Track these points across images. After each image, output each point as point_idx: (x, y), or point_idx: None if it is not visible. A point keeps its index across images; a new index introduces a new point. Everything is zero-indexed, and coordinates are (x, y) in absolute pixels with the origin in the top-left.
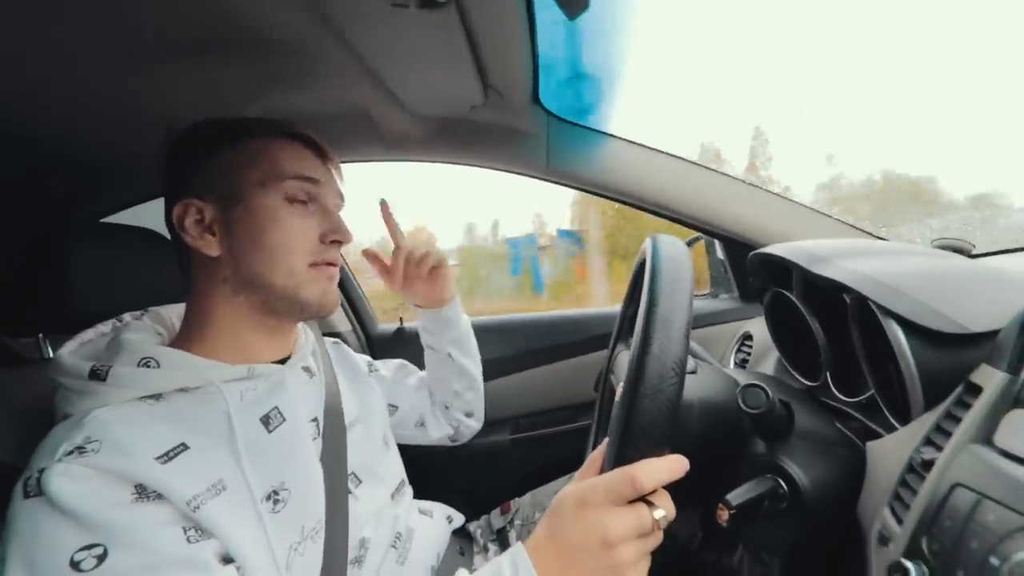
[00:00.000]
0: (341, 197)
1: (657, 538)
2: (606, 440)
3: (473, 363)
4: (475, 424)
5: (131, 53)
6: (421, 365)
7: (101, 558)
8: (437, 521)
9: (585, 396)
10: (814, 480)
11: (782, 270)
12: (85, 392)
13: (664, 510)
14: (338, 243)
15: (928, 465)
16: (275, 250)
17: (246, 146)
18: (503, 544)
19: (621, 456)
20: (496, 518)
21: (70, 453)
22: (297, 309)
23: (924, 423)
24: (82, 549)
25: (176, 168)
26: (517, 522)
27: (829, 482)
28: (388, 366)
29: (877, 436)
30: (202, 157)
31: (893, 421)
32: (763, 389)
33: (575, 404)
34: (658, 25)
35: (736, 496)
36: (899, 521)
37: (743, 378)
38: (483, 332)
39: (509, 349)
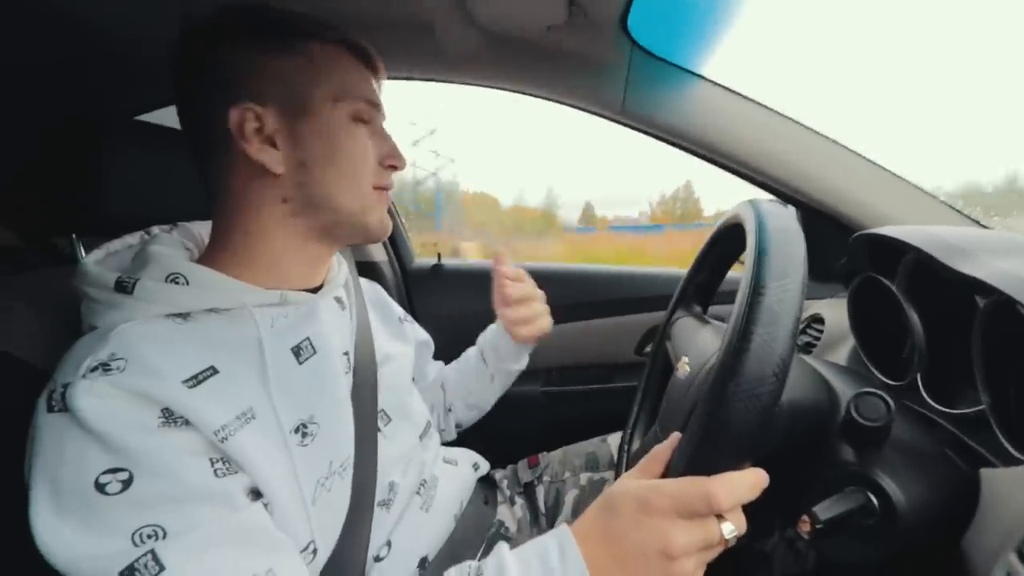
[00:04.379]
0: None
1: (719, 550)
2: (674, 435)
3: (498, 395)
4: (452, 437)
5: None
6: (456, 304)
7: (126, 483)
8: (462, 469)
9: (622, 357)
10: (912, 500)
11: (886, 254)
12: (111, 304)
13: (735, 526)
14: (394, 168)
15: None
16: (348, 170)
17: (310, 50)
18: (530, 498)
19: (696, 461)
20: (524, 470)
21: (94, 369)
22: (360, 233)
23: None
24: (107, 472)
25: (216, 62)
26: (546, 478)
27: (930, 505)
28: (418, 330)
29: (979, 456)
30: (254, 53)
31: (1010, 448)
32: (883, 399)
33: (610, 364)
34: None
35: (824, 510)
36: None
37: (828, 372)
38: None
39: (547, 299)
